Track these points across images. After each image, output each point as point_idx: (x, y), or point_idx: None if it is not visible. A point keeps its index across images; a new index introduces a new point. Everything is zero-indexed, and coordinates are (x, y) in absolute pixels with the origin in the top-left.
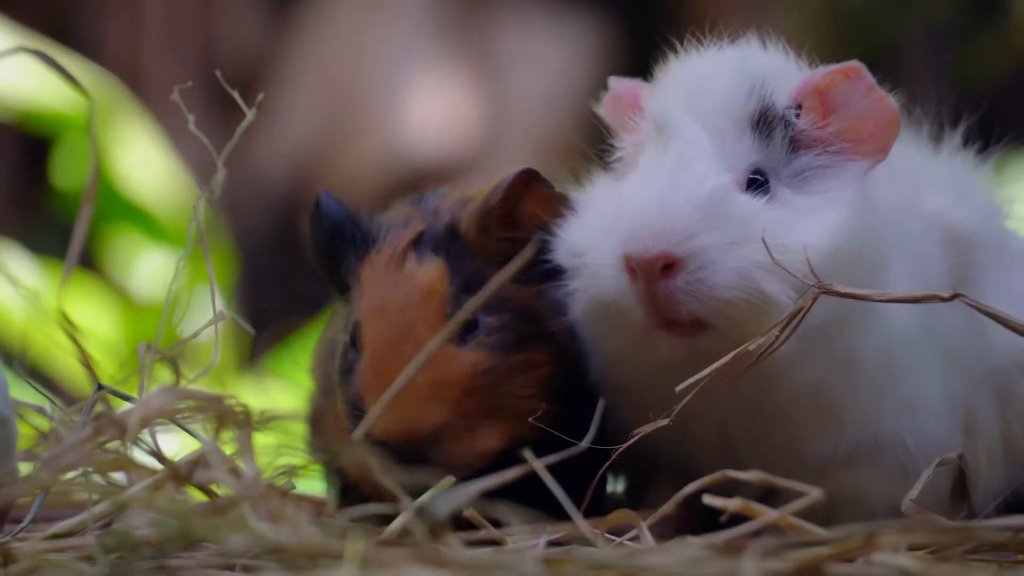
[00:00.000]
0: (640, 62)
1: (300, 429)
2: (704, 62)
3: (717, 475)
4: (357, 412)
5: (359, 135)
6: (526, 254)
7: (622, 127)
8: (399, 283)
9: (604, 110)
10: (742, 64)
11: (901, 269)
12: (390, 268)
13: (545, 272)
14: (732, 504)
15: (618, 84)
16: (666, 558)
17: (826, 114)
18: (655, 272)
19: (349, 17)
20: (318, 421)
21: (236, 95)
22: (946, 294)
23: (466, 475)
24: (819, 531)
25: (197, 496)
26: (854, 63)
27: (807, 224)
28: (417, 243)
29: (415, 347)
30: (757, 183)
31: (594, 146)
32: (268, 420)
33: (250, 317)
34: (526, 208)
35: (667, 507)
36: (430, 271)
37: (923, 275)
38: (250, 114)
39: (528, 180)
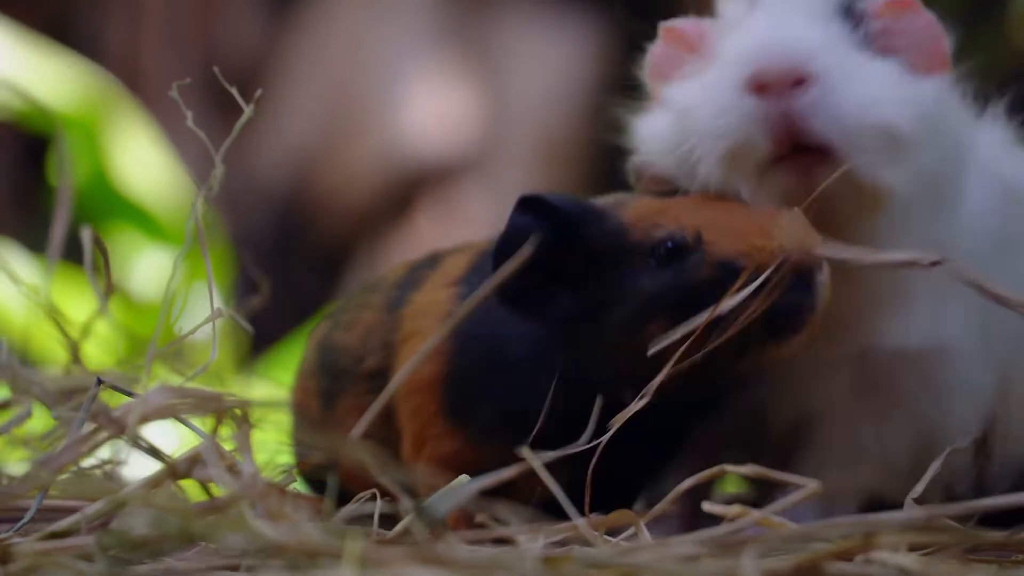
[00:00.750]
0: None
1: (295, 426)
2: None
3: (715, 470)
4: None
5: (358, 134)
6: (523, 255)
7: (680, 68)
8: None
9: (657, 53)
10: None
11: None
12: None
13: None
14: (732, 511)
15: (678, 23)
16: (664, 557)
17: (897, 32)
18: (787, 86)
19: (349, 16)
20: (311, 422)
21: (235, 91)
22: (928, 259)
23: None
24: (818, 529)
25: (196, 494)
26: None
27: (914, 82)
28: None
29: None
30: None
31: (595, 146)
32: (267, 418)
33: (249, 316)
34: None
35: (663, 504)
36: None
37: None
38: (248, 110)
39: None
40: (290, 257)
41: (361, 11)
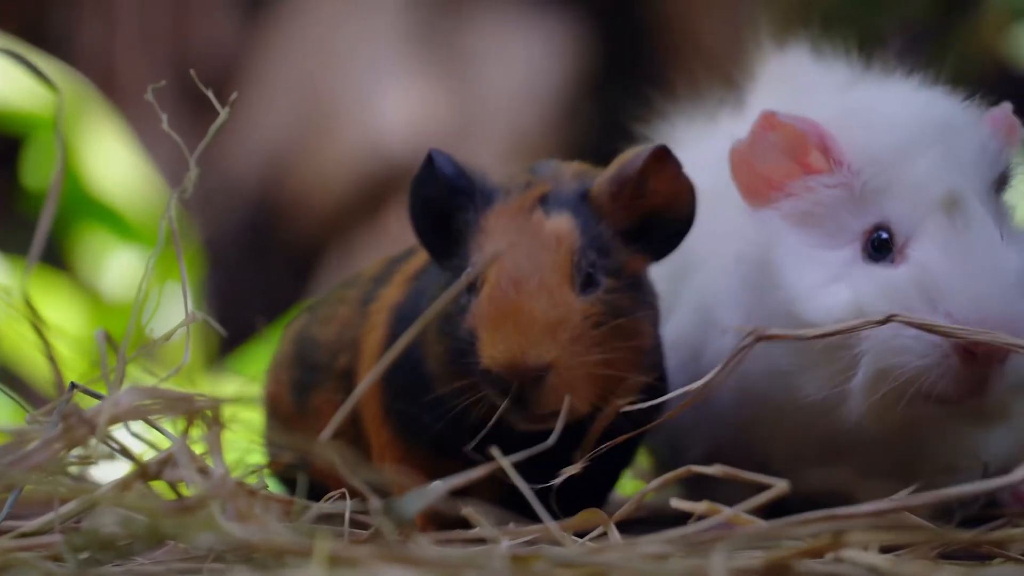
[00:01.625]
0: (613, 61)
1: (267, 420)
2: (922, 111)
3: (681, 470)
4: (468, 347)
5: (331, 133)
6: (478, 268)
7: (792, 164)
8: (528, 229)
9: (756, 142)
10: (968, 121)
11: None
12: (518, 218)
13: (656, 246)
14: (699, 507)
15: (787, 119)
16: (633, 556)
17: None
18: (999, 359)
19: (321, 16)
20: (285, 419)
21: (210, 93)
22: (878, 318)
23: (546, 427)
24: (788, 527)
25: (167, 495)
26: (1007, 107)
27: None
28: (544, 200)
29: (539, 287)
30: None
31: (564, 143)
32: (237, 418)
33: (219, 315)
34: (654, 183)
35: (629, 506)
36: (560, 222)
37: None
38: (223, 113)
39: (662, 156)
40: (262, 255)
41: (333, 11)
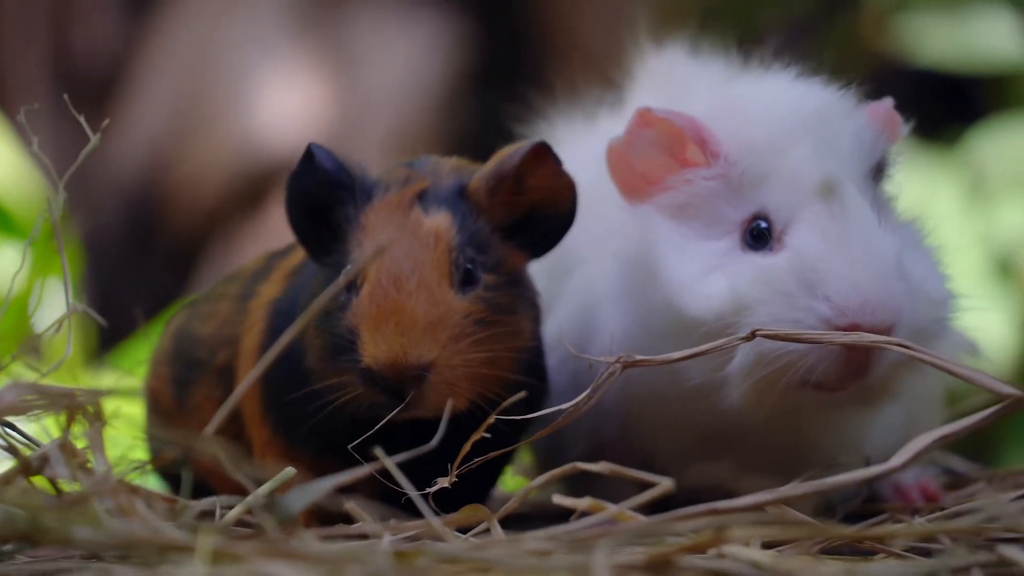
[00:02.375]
0: (493, 58)
1: (148, 415)
2: (798, 102)
3: (567, 467)
4: (349, 344)
5: (212, 129)
6: (358, 267)
7: (670, 159)
8: (406, 227)
9: (632, 139)
10: (846, 110)
11: None
12: (397, 214)
13: (536, 243)
14: (582, 503)
15: (662, 114)
16: (516, 551)
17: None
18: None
19: (203, 13)
20: (165, 414)
21: (82, 119)
22: (744, 334)
23: (429, 424)
24: (670, 523)
25: (49, 491)
26: (889, 103)
27: (929, 272)
28: (422, 196)
29: (419, 285)
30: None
31: (445, 139)
32: (119, 414)
33: (100, 311)
34: (533, 179)
35: (513, 503)
36: (438, 219)
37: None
38: (94, 139)
39: (541, 153)
40: (144, 251)
41: (215, 8)
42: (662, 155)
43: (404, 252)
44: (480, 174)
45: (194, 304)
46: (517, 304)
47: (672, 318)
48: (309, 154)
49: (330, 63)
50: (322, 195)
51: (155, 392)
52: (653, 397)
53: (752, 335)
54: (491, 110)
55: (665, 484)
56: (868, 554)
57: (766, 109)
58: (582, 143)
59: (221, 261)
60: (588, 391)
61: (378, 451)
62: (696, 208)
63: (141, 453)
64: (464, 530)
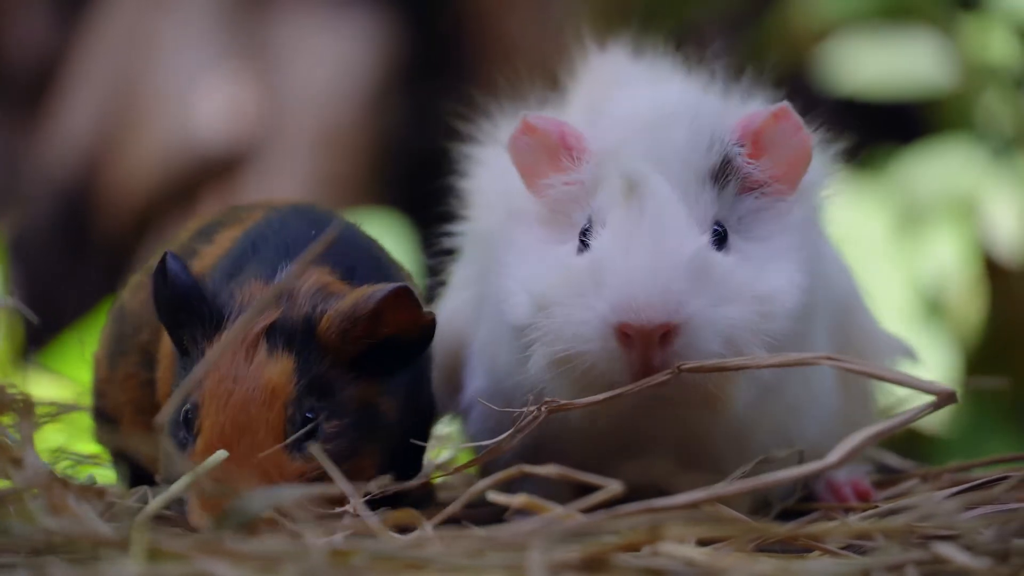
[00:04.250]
0: (423, 55)
1: (85, 418)
2: (654, 105)
3: (512, 470)
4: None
5: (142, 128)
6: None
7: (546, 166)
8: (245, 376)
9: (515, 146)
10: (698, 112)
11: (821, 321)
12: (238, 356)
13: (387, 367)
14: (517, 500)
15: (538, 121)
16: (451, 550)
17: (758, 155)
18: (654, 342)
19: (133, 13)
20: (102, 382)
21: None
22: (667, 374)
23: None
24: (606, 521)
25: None
26: (783, 105)
27: (772, 277)
28: (269, 332)
29: (250, 447)
30: (717, 235)
31: (375, 136)
32: (53, 410)
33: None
34: (390, 316)
35: (455, 506)
36: (277, 368)
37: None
38: None
39: (399, 298)
40: (75, 250)
41: (145, 8)
42: (542, 160)
43: (238, 408)
44: (330, 314)
45: (125, 284)
46: (363, 441)
47: (504, 325)
48: (164, 266)
49: (260, 61)
50: (173, 312)
51: (96, 360)
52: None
53: (677, 370)
54: (421, 107)
55: (612, 487)
56: (803, 552)
57: (622, 114)
58: None
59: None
60: (509, 433)
61: (314, 448)
62: (558, 213)
63: (84, 446)
64: (403, 530)
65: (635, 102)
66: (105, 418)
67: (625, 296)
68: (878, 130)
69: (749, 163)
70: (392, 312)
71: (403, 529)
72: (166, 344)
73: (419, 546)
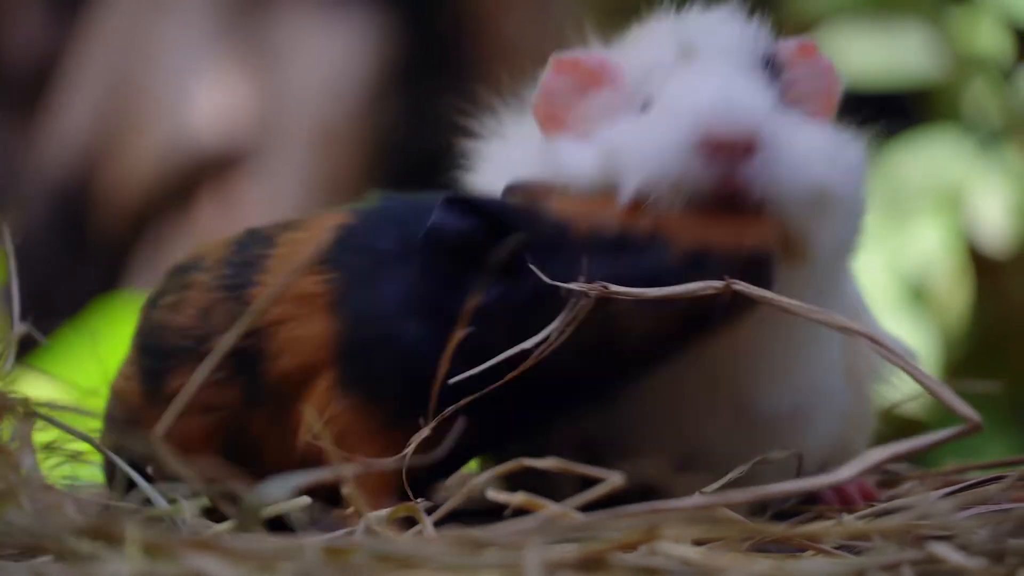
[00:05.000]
0: (420, 54)
1: (81, 422)
2: (698, 19)
3: (512, 463)
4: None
5: (139, 128)
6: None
7: (581, 93)
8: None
9: (548, 89)
10: (741, 17)
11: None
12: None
13: None
14: (516, 499)
15: (572, 57)
16: (447, 548)
17: (801, 80)
18: (738, 152)
19: (131, 12)
20: (131, 410)
21: None
22: (720, 284)
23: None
24: (604, 520)
25: None
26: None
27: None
28: None
29: None
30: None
31: (372, 136)
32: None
33: (27, 310)
34: None
35: (453, 502)
36: None
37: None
38: None
39: None
40: (72, 249)
41: (143, 7)
42: (576, 95)
43: None
44: None
45: (150, 302)
46: None
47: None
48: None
49: (257, 61)
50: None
51: (120, 393)
52: None
53: (726, 286)
54: (418, 107)
55: (613, 479)
56: (799, 551)
57: (654, 36)
58: (529, 139)
59: (150, 260)
60: (558, 323)
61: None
62: (598, 123)
63: (79, 446)
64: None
65: (663, 29)
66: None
67: (708, 108)
68: (866, 120)
69: (789, 72)
70: None
71: (403, 523)
72: (292, 331)
73: (415, 544)
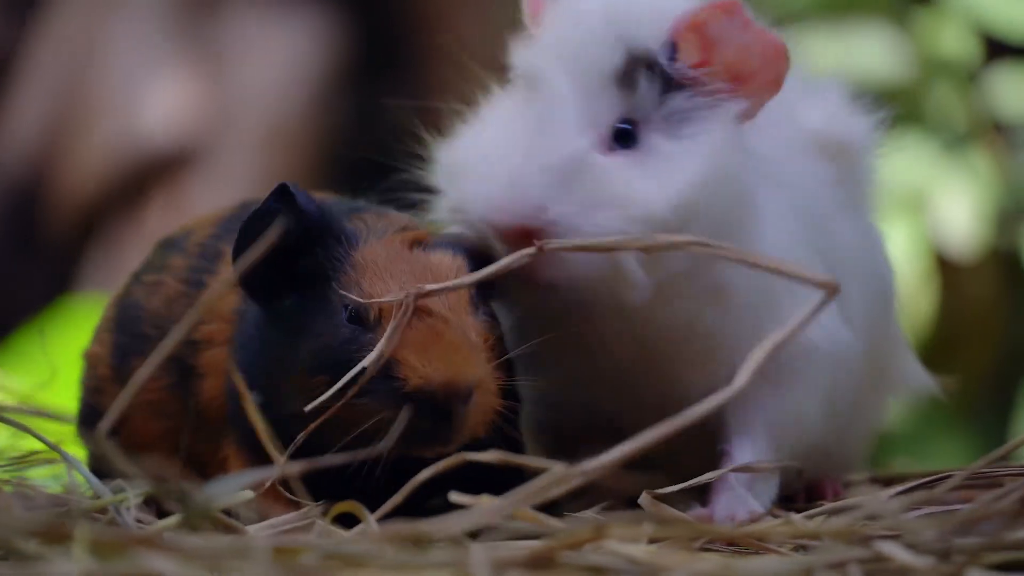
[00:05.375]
0: (371, 55)
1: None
2: (577, 4)
3: (455, 458)
4: (380, 374)
5: (90, 127)
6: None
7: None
8: (418, 264)
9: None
10: (609, 9)
11: (779, 206)
12: (400, 253)
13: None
14: (479, 501)
15: None
16: (396, 548)
17: (703, 52)
18: (524, 239)
19: (83, 12)
20: (100, 379)
21: None
22: (532, 249)
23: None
24: (552, 521)
25: None
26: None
27: (666, 176)
28: (419, 241)
29: (450, 310)
30: (625, 133)
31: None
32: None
33: None
34: None
35: (395, 499)
36: (446, 256)
37: (809, 204)
38: None
39: None
40: (23, 249)
41: (95, 7)
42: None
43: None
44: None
45: (136, 273)
46: (498, 329)
47: None
48: (286, 192)
49: (207, 60)
50: (302, 232)
51: (94, 357)
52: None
53: (540, 249)
54: (368, 105)
55: (556, 471)
56: (747, 550)
57: (558, 10)
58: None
59: (103, 259)
60: (387, 335)
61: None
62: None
63: (33, 443)
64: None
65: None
66: (98, 415)
67: (489, 195)
68: None
69: (673, 61)
70: None
71: (346, 521)
72: (214, 356)
73: (362, 543)
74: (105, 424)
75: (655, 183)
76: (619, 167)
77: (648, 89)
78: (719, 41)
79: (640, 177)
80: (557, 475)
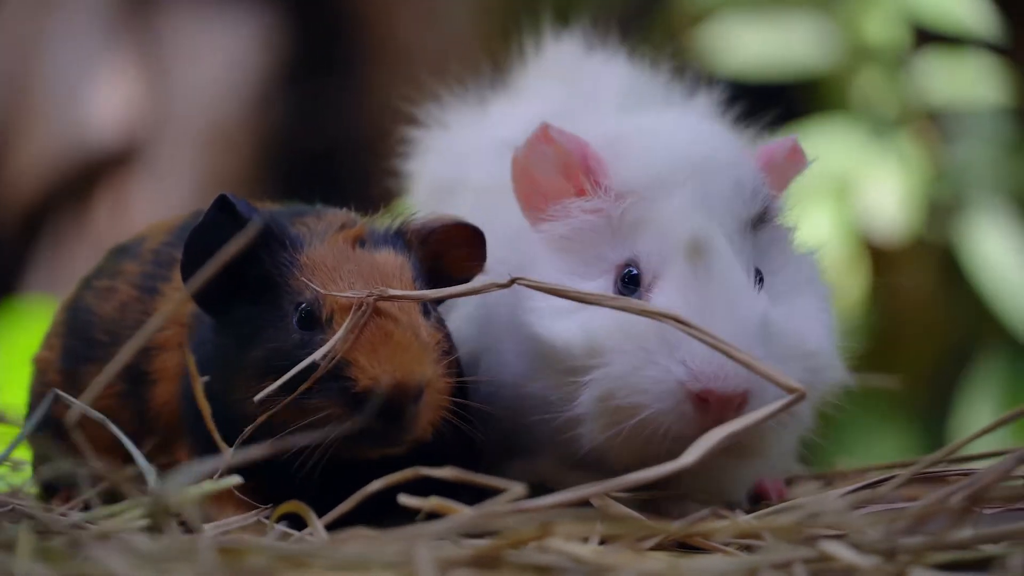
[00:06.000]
0: (311, 54)
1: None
2: (688, 145)
3: (408, 471)
4: (338, 379)
5: (32, 128)
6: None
7: (561, 185)
8: (364, 263)
9: (532, 154)
10: (736, 159)
11: None
12: (346, 253)
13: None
14: (428, 504)
15: (560, 135)
16: (341, 548)
17: (777, 184)
18: (733, 408)
19: (20, 11)
20: (50, 386)
21: None
22: (504, 280)
23: (407, 448)
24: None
25: None
26: (795, 141)
27: (816, 323)
28: (360, 239)
29: (400, 311)
30: (759, 280)
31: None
32: None
33: None
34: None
35: (346, 505)
36: (390, 255)
37: None
38: None
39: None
40: None
41: (33, 7)
42: (558, 175)
43: (373, 284)
44: (416, 223)
45: (87, 278)
46: (447, 337)
47: (533, 348)
48: (226, 203)
49: (148, 59)
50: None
51: (43, 362)
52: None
53: (511, 282)
54: (307, 104)
55: (516, 490)
56: (694, 550)
57: (653, 149)
58: (474, 130)
59: (47, 259)
60: (342, 331)
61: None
62: (577, 242)
63: None
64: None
65: (660, 136)
66: (47, 420)
67: (710, 366)
68: (756, 110)
69: (776, 201)
70: (452, 236)
71: (292, 522)
72: (166, 361)
73: (307, 544)
74: (72, 417)
75: (813, 335)
76: (784, 318)
77: (763, 232)
78: (779, 174)
79: (801, 325)
80: (517, 494)
